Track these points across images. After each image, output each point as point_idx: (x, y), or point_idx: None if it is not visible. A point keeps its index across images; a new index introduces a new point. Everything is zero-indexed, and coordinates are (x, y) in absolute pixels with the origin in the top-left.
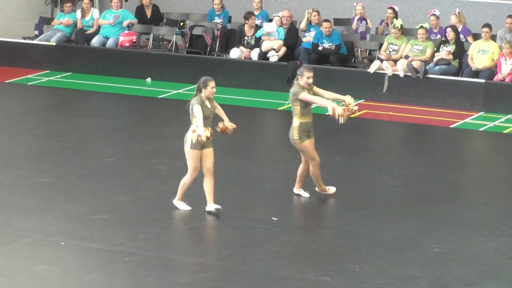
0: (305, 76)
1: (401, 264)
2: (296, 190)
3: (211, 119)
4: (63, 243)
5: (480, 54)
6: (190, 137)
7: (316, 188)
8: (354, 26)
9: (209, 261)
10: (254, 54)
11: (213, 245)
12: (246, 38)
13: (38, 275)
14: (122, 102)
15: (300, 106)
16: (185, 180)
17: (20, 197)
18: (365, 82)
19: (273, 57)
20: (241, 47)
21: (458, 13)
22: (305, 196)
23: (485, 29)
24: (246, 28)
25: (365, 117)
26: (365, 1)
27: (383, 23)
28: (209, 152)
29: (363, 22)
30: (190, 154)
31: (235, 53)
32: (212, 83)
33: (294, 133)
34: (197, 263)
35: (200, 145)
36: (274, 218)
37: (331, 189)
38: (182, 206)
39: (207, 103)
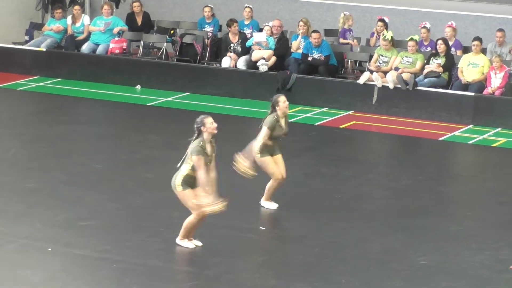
0: (281, 102)
1: (386, 277)
2: (263, 205)
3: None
4: (49, 249)
5: (470, 67)
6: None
7: (262, 199)
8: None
9: (195, 270)
10: (240, 63)
11: (200, 254)
12: (232, 45)
13: (23, 280)
14: (111, 109)
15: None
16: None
17: (6, 202)
18: (355, 93)
19: (262, 66)
20: (229, 53)
21: (454, 25)
22: (271, 208)
23: (476, 42)
24: (230, 35)
25: (354, 129)
26: (356, 13)
27: (374, 35)
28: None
29: (351, 33)
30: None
31: (226, 61)
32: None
33: (255, 149)
34: (183, 272)
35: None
36: (262, 228)
37: (273, 205)
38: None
39: (281, 122)
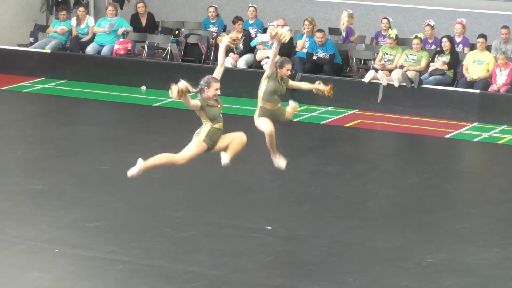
0: (285, 67)
1: (393, 275)
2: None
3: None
4: (56, 250)
5: (475, 65)
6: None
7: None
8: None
9: (202, 270)
10: (241, 63)
11: (206, 254)
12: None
13: (31, 282)
14: (117, 110)
15: (266, 89)
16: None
17: (13, 204)
18: (360, 92)
19: (267, 65)
20: (231, 54)
21: (464, 22)
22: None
23: (481, 40)
24: (234, 33)
25: (359, 127)
26: (359, 11)
27: (381, 34)
28: None
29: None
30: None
31: (229, 61)
32: (288, 66)
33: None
34: (190, 272)
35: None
36: (268, 227)
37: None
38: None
39: (279, 80)
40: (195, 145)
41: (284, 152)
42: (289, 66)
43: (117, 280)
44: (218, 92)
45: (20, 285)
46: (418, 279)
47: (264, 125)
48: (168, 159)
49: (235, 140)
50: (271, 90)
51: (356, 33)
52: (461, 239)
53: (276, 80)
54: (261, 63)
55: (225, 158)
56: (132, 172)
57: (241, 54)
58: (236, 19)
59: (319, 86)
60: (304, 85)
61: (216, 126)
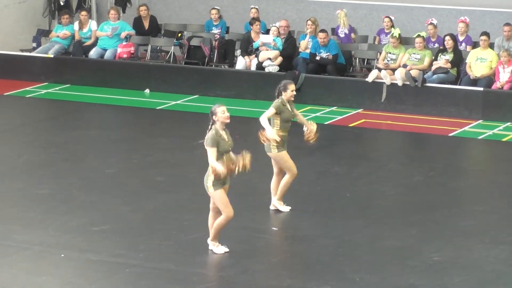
0: (289, 89)
1: (401, 273)
2: (275, 205)
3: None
4: (63, 255)
5: (478, 63)
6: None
7: (275, 199)
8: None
9: (210, 272)
10: (254, 64)
11: (213, 256)
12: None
13: (39, 286)
14: (121, 113)
15: (280, 119)
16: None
17: (19, 209)
18: (363, 91)
19: (270, 67)
20: (246, 56)
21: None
22: (284, 211)
23: (483, 37)
24: (252, 34)
25: (364, 126)
26: (362, 11)
27: (383, 31)
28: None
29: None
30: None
31: (241, 63)
32: (292, 86)
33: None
34: (198, 274)
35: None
36: (274, 228)
37: (286, 208)
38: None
39: (288, 106)
40: (217, 198)
41: (290, 152)
42: (292, 87)
43: (125, 284)
44: (227, 114)
45: None
46: (425, 277)
47: (290, 163)
48: (224, 222)
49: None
50: (285, 119)
51: (353, 32)
52: (467, 236)
53: (286, 107)
54: (263, 64)
55: None
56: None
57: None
58: (254, 20)
59: (312, 127)
60: (300, 118)
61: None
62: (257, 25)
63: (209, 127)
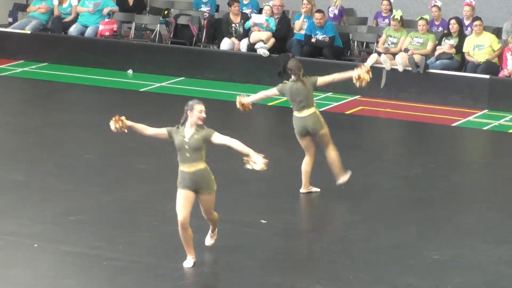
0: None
1: (398, 272)
2: (305, 190)
3: None
4: (36, 245)
5: (476, 50)
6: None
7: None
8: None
9: (193, 267)
10: (243, 45)
11: (197, 250)
12: (234, 25)
13: (10, 279)
14: (102, 95)
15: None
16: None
17: None
18: None
19: (260, 49)
20: (233, 38)
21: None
22: (316, 191)
23: (477, 23)
24: (231, 16)
25: (361, 114)
26: None
27: (381, 15)
28: None
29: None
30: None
31: (225, 44)
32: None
33: (321, 120)
34: (180, 269)
35: None
36: (263, 221)
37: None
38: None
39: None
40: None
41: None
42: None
43: (102, 278)
44: (203, 115)
45: None
46: (423, 277)
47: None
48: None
49: None
50: (291, 97)
51: (344, 15)
52: (469, 235)
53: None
54: (255, 46)
55: None
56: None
57: (240, 38)
58: (232, 1)
59: (358, 71)
60: (338, 76)
61: None
62: (235, 6)
63: (181, 121)
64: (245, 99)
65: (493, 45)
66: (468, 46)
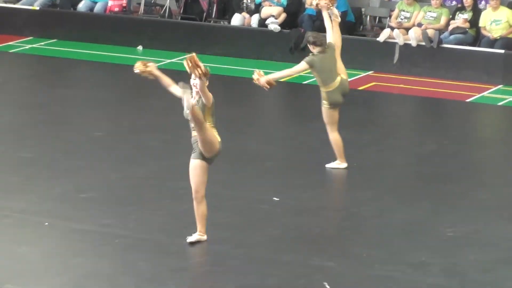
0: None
1: (411, 249)
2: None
3: None
4: (46, 223)
5: (494, 26)
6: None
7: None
8: None
9: (204, 245)
10: (254, 21)
11: (209, 228)
12: (245, 1)
13: (19, 257)
14: (111, 72)
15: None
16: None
17: (0, 174)
18: (374, 52)
19: (271, 24)
20: (244, 13)
21: None
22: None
23: None
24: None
25: (374, 90)
26: None
27: None
28: None
29: None
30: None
31: (236, 19)
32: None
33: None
34: (191, 247)
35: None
36: (275, 199)
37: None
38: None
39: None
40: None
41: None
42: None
43: (112, 256)
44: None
45: (8, 260)
46: (437, 254)
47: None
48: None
49: None
50: (323, 70)
51: None
52: (484, 211)
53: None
54: (266, 22)
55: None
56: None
57: (251, 13)
58: None
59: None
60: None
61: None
62: None
63: None
64: (270, 76)
65: (510, 20)
66: (484, 21)
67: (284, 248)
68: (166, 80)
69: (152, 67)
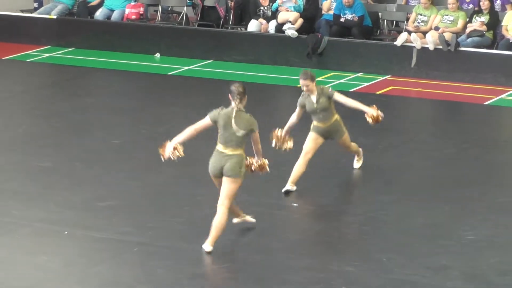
0: (300, 85)
1: (432, 253)
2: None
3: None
4: (66, 232)
5: None
6: None
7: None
8: None
9: (224, 251)
10: (272, 27)
11: (228, 234)
12: (261, 8)
13: (39, 267)
14: (129, 79)
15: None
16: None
17: (19, 183)
18: (392, 56)
19: (289, 30)
20: (261, 19)
21: None
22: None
23: None
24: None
25: (392, 94)
26: None
27: None
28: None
29: None
30: None
31: (253, 25)
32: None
33: None
34: (211, 253)
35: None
36: (294, 204)
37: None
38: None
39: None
40: (239, 185)
41: (309, 122)
42: (302, 83)
43: (132, 264)
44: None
45: (27, 270)
46: (458, 258)
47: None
48: (223, 224)
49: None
50: (310, 112)
51: None
52: (505, 214)
53: (309, 102)
54: (283, 27)
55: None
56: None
57: (268, 20)
58: None
59: (371, 110)
60: (352, 103)
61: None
62: None
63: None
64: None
65: None
66: (508, 20)
67: (303, 253)
68: (187, 135)
69: (178, 147)
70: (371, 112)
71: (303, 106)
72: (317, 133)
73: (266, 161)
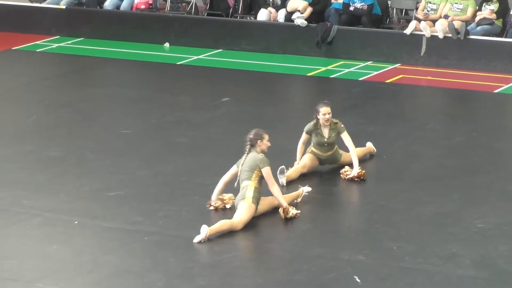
0: (321, 112)
1: (442, 241)
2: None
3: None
4: (76, 222)
5: None
6: None
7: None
8: None
9: (234, 240)
10: (281, 16)
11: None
12: None
13: (50, 256)
14: (138, 69)
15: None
16: None
17: (29, 173)
18: (401, 45)
19: (298, 19)
20: (270, 8)
21: None
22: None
23: None
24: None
25: (402, 83)
26: None
27: None
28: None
29: None
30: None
31: (262, 14)
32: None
33: None
34: (221, 243)
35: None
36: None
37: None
38: None
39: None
40: (248, 208)
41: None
42: (324, 110)
43: (142, 253)
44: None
45: (38, 259)
46: (468, 245)
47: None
48: (229, 226)
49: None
50: (316, 143)
51: None
52: None
53: (318, 134)
54: (292, 17)
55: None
56: (198, 239)
57: (277, 8)
58: None
59: (356, 171)
60: (351, 151)
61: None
62: None
63: (247, 150)
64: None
65: None
66: None
67: (313, 242)
68: (222, 186)
69: (227, 198)
70: (356, 173)
71: (310, 133)
72: (315, 157)
73: None
